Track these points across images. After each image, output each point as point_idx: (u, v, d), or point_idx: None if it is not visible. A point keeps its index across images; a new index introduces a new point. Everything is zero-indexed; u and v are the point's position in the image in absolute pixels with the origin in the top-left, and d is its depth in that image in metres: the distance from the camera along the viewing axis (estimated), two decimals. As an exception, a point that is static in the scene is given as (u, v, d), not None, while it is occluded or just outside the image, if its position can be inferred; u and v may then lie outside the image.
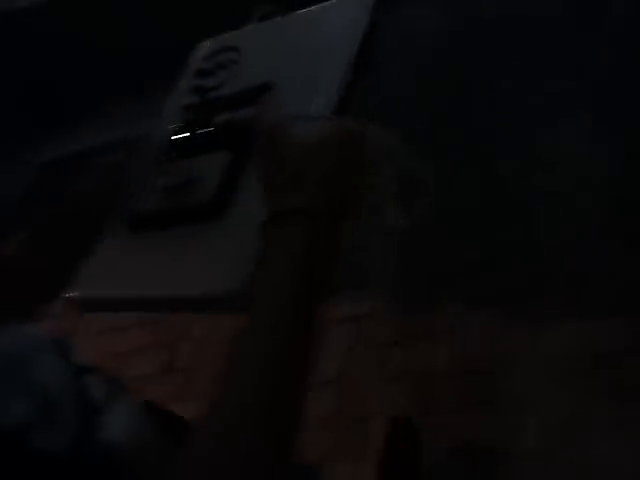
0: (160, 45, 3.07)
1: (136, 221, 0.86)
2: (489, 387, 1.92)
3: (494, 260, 2.20)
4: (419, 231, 1.61)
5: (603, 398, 1.74)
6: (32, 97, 3.72)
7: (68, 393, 0.54)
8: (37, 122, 3.53)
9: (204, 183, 0.81)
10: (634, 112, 2.33)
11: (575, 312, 2.00)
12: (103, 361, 0.71)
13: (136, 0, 3.39)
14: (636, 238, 2.05)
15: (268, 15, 1.05)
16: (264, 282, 0.58)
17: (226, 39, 1.06)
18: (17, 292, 0.73)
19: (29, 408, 0.51)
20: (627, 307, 1.95)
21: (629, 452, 1.61)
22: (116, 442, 0.56)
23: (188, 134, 0.88)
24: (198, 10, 3.15)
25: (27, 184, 3.40)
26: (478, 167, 2.49)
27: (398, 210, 0.66)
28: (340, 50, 0.87)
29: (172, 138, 0.89)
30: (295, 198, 0.59)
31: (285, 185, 0.60)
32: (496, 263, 2.19)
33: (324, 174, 0.60)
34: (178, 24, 3.10)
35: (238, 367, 0.53)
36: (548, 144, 2.42)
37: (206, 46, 1.07)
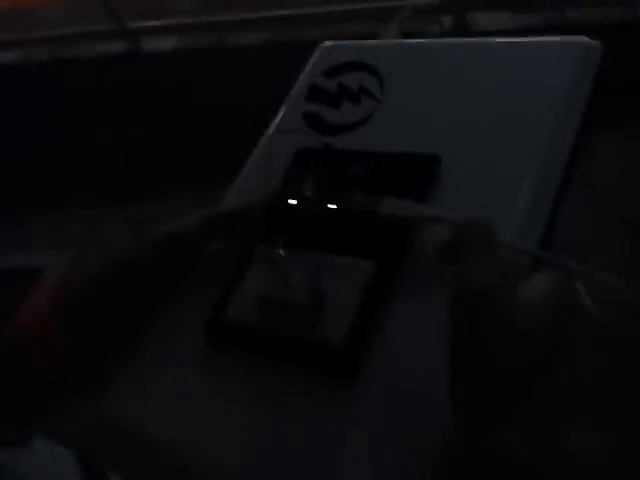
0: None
1: (214, 332, 0.57)
2: None
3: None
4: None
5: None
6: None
7: None
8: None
9: (328, 308, 0.53)
10: None
11: None
12: None
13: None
14: None
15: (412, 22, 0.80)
16: None
17: (359, 49, 0.73)
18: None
19: None
20: None
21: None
22: None
23: (303, 211, 0.58)
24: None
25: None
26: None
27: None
28: (555, 114, 0.57)
29: (276, 214, 0.60)
30: (514, 442, 0.38)
31: (498, 409, 0.39)
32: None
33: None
34: None
35: None
36: None
37: (330, 52, 0.74)
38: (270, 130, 0.71)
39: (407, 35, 0.77)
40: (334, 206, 0.56)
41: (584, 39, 0.61)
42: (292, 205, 0.58)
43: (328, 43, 0.75)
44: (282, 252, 0.56)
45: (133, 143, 2.56)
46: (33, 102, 2.55)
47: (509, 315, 0.40)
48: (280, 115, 0.72)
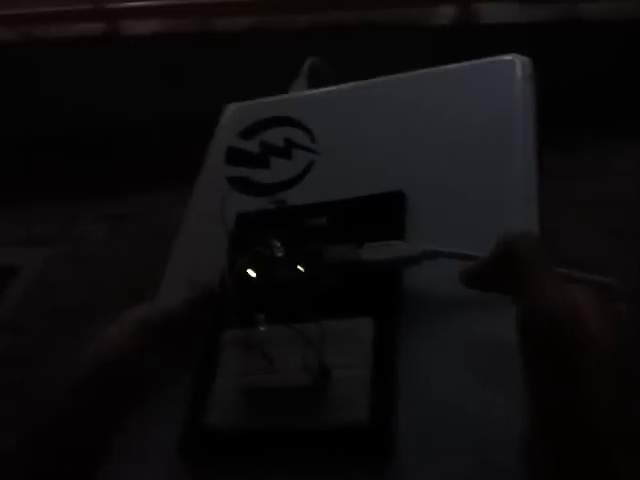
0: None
1: (193, 446, 0.49)
2: None
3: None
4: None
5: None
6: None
7: None
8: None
9: (335, 383, 0.47)
10: None
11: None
12: None
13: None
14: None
15: (319, 72, 0.78)
16: None
17: (274, 105, 0.70)
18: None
19: None
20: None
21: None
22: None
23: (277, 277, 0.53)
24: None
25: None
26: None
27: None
28: (512, 130, 0.57)
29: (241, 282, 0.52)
30: None
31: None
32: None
33: None
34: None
35: None
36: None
37: (239, 113, 0.71)
38: (194, 202, 0.66)
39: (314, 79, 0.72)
40: (308, 264, 0.51)
41: (515, 56, 0.62)
42: (263, 274, 0.52)
43: (234, 105, 0.72)
44: (263, 329, 0.49)
45: (108, 131, 2.44)
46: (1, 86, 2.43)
47: (589, 340, 0.36)
48: (201, 185, 0.67)
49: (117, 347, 0.52)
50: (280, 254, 0.52)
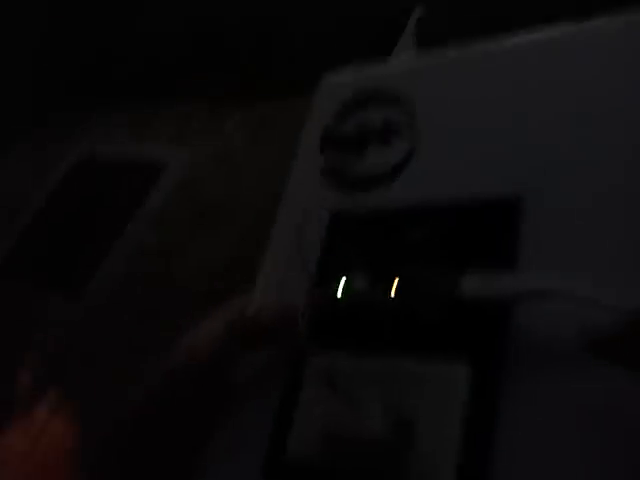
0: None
1: (275, 474, 0.47)
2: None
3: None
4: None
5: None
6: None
7: None
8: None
9: (419, 440, 0.41)
10: None
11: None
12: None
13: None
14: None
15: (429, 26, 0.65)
16: None
17: (372, 76, 0.59)
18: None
19: None
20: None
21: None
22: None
23: (364, 306, 0.47)
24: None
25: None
26: None
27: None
28: None
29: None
30: None
31: None
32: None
33: None
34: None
35: None
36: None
37: (336, 87, 0.61)
38: (289, 195, 0.59)
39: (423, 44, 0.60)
40: (400, 293, 0.44)
41: None
42: (349, 301, 0.47)
43: (330, 76, 0.62)
44: (346, 367, 0.46)
45: (256, 32, 2.39)
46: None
47: None
48: (296, 174, 0.60)
49: (206, 348, 0.52)
50: (370, 282, 0.47)
